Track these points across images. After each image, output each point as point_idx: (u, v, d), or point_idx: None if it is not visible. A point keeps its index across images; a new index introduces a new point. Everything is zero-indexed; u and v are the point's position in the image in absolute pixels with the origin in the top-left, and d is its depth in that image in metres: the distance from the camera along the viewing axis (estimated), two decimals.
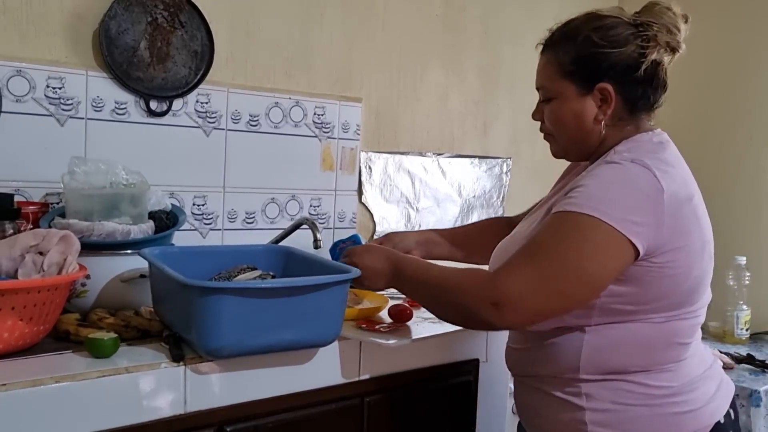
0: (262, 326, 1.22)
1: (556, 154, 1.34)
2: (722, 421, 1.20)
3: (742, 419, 1.84)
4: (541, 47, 1.30)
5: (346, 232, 2.22)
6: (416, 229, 2.42)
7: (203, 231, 1.96)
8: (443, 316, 1.25)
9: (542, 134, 1.34)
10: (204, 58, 1.89)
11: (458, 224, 2.55)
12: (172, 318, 1.32)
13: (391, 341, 1.37)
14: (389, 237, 1.62)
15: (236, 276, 1.41)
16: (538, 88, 1.30)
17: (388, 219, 2.35)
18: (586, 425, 1.18)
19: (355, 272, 1.31)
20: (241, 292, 1.18)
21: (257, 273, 1.39)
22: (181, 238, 1.78)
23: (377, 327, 1.44)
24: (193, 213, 1.93)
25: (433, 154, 2.46)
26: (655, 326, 1.15)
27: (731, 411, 1.24)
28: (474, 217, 2.60)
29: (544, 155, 2.80)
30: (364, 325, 1.45)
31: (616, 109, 1.21)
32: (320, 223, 2.18)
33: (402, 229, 2.38)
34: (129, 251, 1.50)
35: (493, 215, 2.66)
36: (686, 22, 1.21)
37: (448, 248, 1.58)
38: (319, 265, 1.44)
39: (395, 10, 2.30)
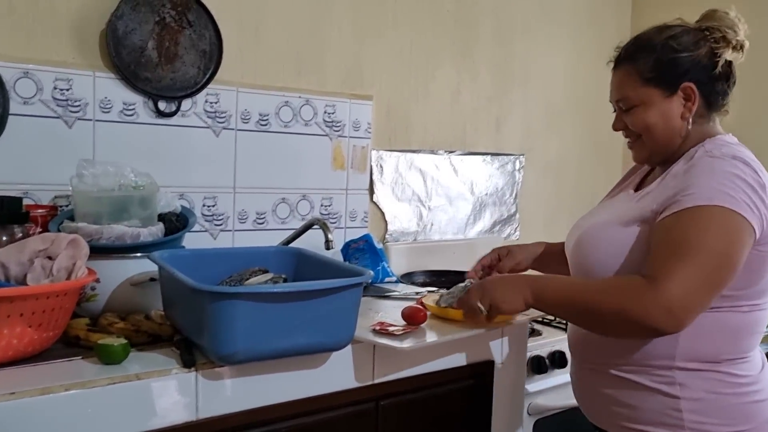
0: (275, 331, 1.19)
1: (640, 160, 1.39)
2: None
3: None
4: (612, 64, 1.37)
5: (357, 232, 2.20)
6: (428, 227, 2.40)
7: (214, 232, 1.94)
8: (600, 330, 1.25)
9: (627, 141, 1.39)
10: (212, 57, 1.87)
11: (470, 222, 2.53)
12: (183, 322, 1.30)
13: (405, 345, 1.34)
14: (511, 251, 1.65)
15: (248, 279, 1.39)
16: (617, 101, 1.36)
17: (400, 218, 2.32)
18: (682, 413, 1.22)
19: (368, 274, 1.29)
20: (254, 296, 1.16)
21: (269, 276, 1.37)
22: (191, 239, 1.76)
23: (391, 330, 1.41)
24: (203, 214, 1.91)
25: (445, 151, 2.42)
26: (741, 315, 1.22)
27: None
28: (487, 216, 2.57)
29: (558, 151, 2.80)
30: (378, 328, 1.43)
31: (698, 106, 1.28)
32: (331, 222, 2.15)
33: (413, 228, 2.36)
34: (139, 254, 1.48)
35: (506, 213, 2.63)
36: (741, 21, 1.30)
37: (556, 261, 1.56)
38: (331, 267, 1.42)
39: (406, 6, 2.27)
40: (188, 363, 1.20)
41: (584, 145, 2.85)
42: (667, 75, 1.29)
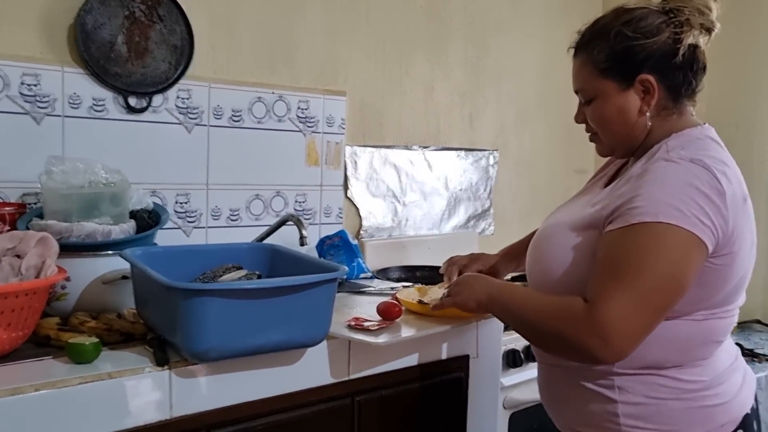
0: (249, 328, 1.19)
1: (603, 153, 1.32)
2: (749, 412, 1.21)
3: None
4: (572, 51, 1.28)
5: (332, 228, 2.19)
6: (403, 223, 2.40)
7: (187, 229, 1.92)
8: (544, 348, 1.24)
9: (588, 135, 1.32)
10: (184, 52, 1.85)
11: (445, 217, 2.53)
12: (156, 320, 1.29)
13: (380, 340, 1.34)
14: (479, 258, 1.63)
15: (221, 276, 1.38)
16: (576, 91, 1.28)
17: (375, 213, 2.32)
18: (619, 417, 1.17)
19: (342, 270, 1.29)
20: (227, 293, 1.15)
21: (243, 273, 1.36)
22: (164, 237, 1.75)
23: (366, 325, 1.41)
24: (176, 211, 1.89)
25: (419, 147, 2.43)
26: (695, 324, 1.14)
27: (754, 402, 1.25)
28: (461, 211, 2.58)
29: (532, 146, 2.82)
30: (353, 323, 1.43)
31: (659, 98, 1.19)
32: (306, 218, 2.15)
33: (388, 224, 2.36)
34: (110, 252, 1.46)
35: (480, 208, 2.64)
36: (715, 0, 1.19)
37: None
38: (306, 263, 1.41)
39: (379, 2, 2.27)
40: (161, 361, 1.19)
41: (557, 140, 2.87)
42: (622, 66, 1.18)
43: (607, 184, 1.34)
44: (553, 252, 1.23)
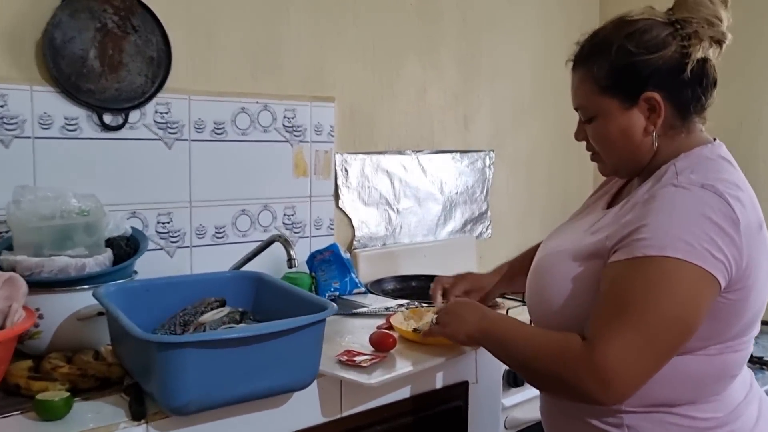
0: (231, 377, 1.11)
1: (606, 173, 1.24)
2: None
3: None
4: (571, 63, 1.19)
5: (323, 240, 2.11)
6: (397, 231, 2.31)
7: (170, 250, 1.83)
8: (540, 388, 1.16)
9: (589, 153, 1.23)
10: (161, 64, 1.75)
11: (441, 222, 2.45)
12: (132, 366, 1.21)
13: (373, 380, 1.26)
14: (466, 277, 1.56)
15: (202, 314, 1.30)
16: (576, 109, 1.19)
17: (368, 223, 2.23)
18: None
19: (331, 309, 1.21)
20: (205, 344, 1.06)
21: (225, 312, 1.27)
22: (146, 259, 1.65)
23: (358, 360, 1.33)
24: (158, 231, 1.80)
25: (413, 151, 2.33)
26: (708, 359, 1.06)
27: None
28: (457, 215, 2.49)
29: (528, 146, 2.72)
30: (344, 359, 1.34)
31: (666, 117, 1.10)
32: (295, 232, 2.06)
33: (382, 232, 2.27)
34: (86, 286, 1.38)
35: (477, 211, 2.55)
36: (726, 7, 1.10)
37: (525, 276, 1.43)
38: (292, 298, 1.34)
39: (367, 3, 2.16)
40: (138, 415, 1.11)
41: (555, 139, 2.78)
42: (625, 83, 1.10)
43: (609, 203, 1.26)
44: (554, 283, 1.15)
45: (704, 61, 1.09)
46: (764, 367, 2.09)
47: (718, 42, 1.10)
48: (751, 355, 2.04)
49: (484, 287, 1.55)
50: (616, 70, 1.10)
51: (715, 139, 1.15)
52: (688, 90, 1.10)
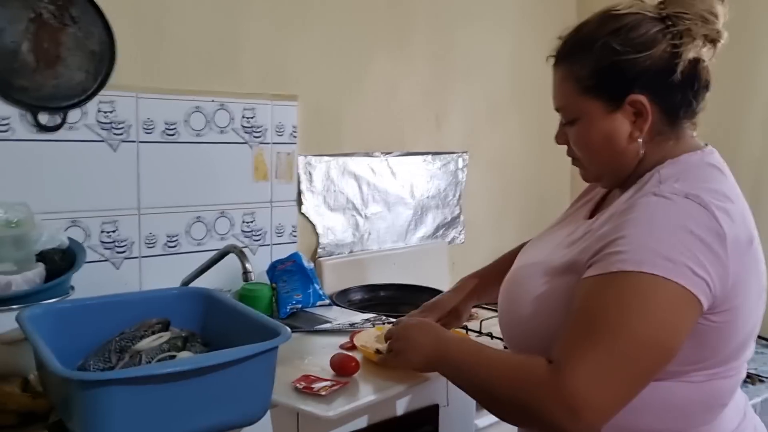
0: (168, 416, 0.97)
1: (588, 179, 1.15)
2: None
3: None
4: (552, 60, 1.09)
5: (286, 248, 1.97)
6: (365, 237, 2.18)
7: (116, 261, 1.68)
8: (501, 417, 1.03)
9: (570, 158, 1.13)
10: (104, 59, 1.60)
11: (411, 228, 2.33)
12: (56, 401, 1.06)
13: (332, 413, 1.13)
14: (435, 307, 1.43)
15: (141, 338, 1.16)
16: (557, 109, 1.09)
17: (333, 229, 2.10)
18: None
19: (285, 334, 1.08)
20: (134, 380, 0.93)
21: (165, 337, 1.13)
22: (89, 272, 1.52)
23: (316, 388, 1.21)
24: (102, 241, 1.65)
25: (382, 153, 2.20)
26: (694, 386, 0.97)
27: None
28: (429, 220, 2.37)
29: (504, 146, 2.61)
30: (302, 386, 1.22)
31: (654, 122, 1.01)
32: (255, 240, 1.92)
33: (349, 239, 2.14)
34: (14, 306, 1.23)
35: (450, 216, 2.44)
36: (723, 2, 1.01)
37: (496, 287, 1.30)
38: (243, 320, 1.21)
39: None
40: None
41: (531, 140, 2.67)
42: (609, 84, 1.00)
43: (591, 213, 1.15)
44: (525, 299, 1.05)
45: (696, 61, 1.00)
46: (747, 380, 2.00)
47: (713, 41, 1.00)
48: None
49: (455, 310, 1.43)
50: (600, 69, 1.01)
51: (706, 145, 1.06)
52: (678, 93, 1.01)
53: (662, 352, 0.90)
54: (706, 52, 1.00)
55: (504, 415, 1.02)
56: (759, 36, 2.28)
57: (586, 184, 1.25)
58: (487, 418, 1.69)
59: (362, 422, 1.30)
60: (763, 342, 2.30)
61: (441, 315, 1.39)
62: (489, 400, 1.02)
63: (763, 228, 2.02)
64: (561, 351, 0.91)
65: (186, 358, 1.06)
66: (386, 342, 1.23)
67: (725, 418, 1.03)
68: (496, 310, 1.97)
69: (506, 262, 1.30)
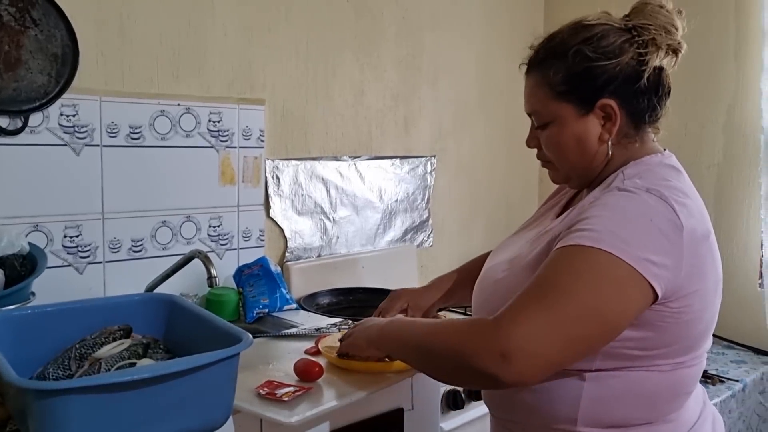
0: (127, 425, 0.96)
1: (557, 181, 1.20)
2: None
3: None
4: (524, 67, 1.15)
5: (253, 253, 1.97)
6: (333, 241, 2.19)
7: (79, 266, 1.66)
8: (438, 376, 1.07)
9: (540, 161, 1.19)
10: (66, 61, 1.58)
11: (380, 232, 2.33)
12: (13, 410, 1.05)
13: (294, 419, 1.13)
14: (401, 295, 1.49)
15: (102, 346, 1.14)
16: (529, 114, 1.15)
17: (301, 233, 2.09)
18: None
19: (247, 341, 1.07)
20: (91, 389, 0.92)
21: (126, 345, 1.12)
22: (51, 278, 1.51)
23: (279, 394, 1.20)
24: (65, 246, 1.63)
25: (350, 157, 2.21)
26: (661, 375, 1.02)
27: None
28: (398, 223, 2.38)
29: (472, 150, 2.63)
30: (265, 392, 1.21)
31: (621, 125, 1.08)
32: (222, 244, 1.91)
33: (317, 243, 2.14)
34: None
35: (418, 219, 2.45)
36: (681, 16, 1.09)
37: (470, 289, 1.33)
38: (206, 326, 1.20)
39: None
40: None
41: (499, 143, 2.69)
42: (581, 90, 1.07)
43: (559, 214, 1.20)
44: (498, 296, 1.08)
45: (660, 69, 1.08)
46: (708, 381, 2.04)
47: (675, 51, 1.08)
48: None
49: (420, 304, 1.46)
50: (573, 75, 1.07)
51: (665, 150, 1.13)
52: (644, 99, 1.08)
53: (603, 326, 0.94)
54: (667, 62, 1.08)
55: (438, 370, 1.05)
56: (719, 47, 2.35)
57: (554, 187, 1.31)
58: (452, 421, 1.71)
59: (324, 428, 1.30)
60: (724, 342, 2.35)
61: (407, 304, 1.44)
62: (425, 359, 1.05)
63: (723, 227, 2.10)
64: (506, 307, 0.94)
65: (144, 366, 1.05)
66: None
67: (688, 408, 1.09)
68: (464, 313, 2.00)
69: (479, 264, 1.33)
